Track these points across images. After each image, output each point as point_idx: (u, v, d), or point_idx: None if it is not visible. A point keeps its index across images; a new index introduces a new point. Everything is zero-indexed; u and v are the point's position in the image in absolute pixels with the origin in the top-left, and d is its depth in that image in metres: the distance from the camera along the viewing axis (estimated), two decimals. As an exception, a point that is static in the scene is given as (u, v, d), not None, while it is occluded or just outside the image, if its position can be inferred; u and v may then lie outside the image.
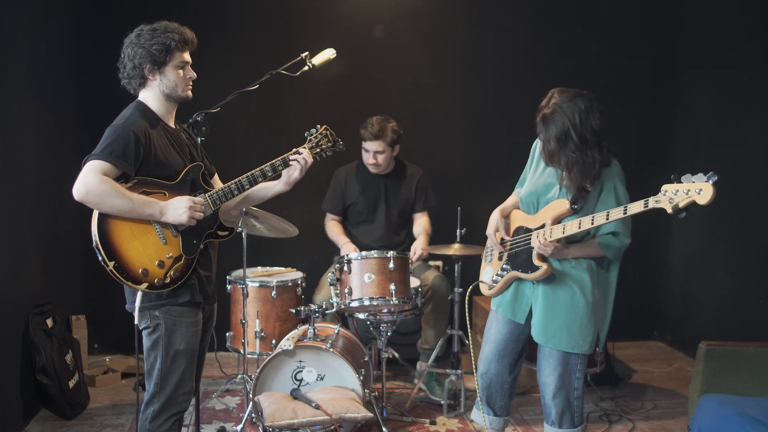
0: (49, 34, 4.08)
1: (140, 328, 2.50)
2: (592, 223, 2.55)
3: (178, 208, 2.41)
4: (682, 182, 2.31)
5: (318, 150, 2.71)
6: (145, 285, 2.37)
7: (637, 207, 2.43)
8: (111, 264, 2.32)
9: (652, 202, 2.37)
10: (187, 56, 2.50)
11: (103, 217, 2.33)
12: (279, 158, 2.63)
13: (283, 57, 3.15)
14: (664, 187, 2.35)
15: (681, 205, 2.29)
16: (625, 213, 2.45)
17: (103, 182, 2.28)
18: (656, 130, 5.03)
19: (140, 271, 2.36)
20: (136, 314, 2.43)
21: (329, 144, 2.74)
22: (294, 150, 2.66)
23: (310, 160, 2.65)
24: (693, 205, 2.28)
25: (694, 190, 2.27)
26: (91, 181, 2.27)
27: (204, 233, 2.52)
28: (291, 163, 2.62)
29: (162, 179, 2.45)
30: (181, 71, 2.48)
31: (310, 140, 2.72)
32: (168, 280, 2.41)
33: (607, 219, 2.51)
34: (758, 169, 4.13)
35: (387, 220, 4.11)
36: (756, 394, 2.90)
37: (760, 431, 2.52)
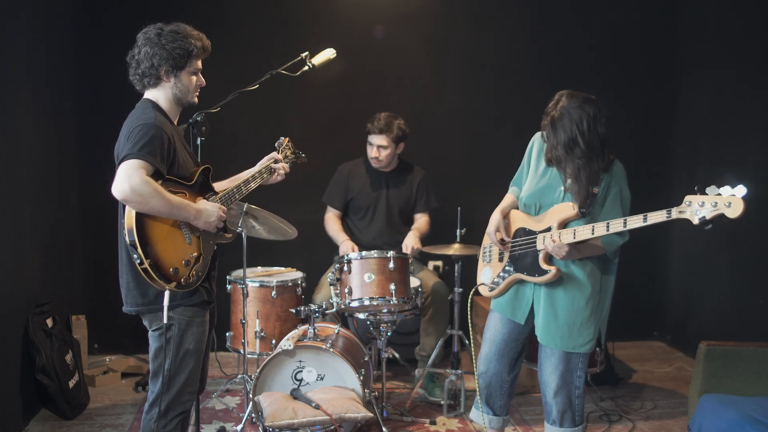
0: (49, 35, 4.07)
1: (151, 329, 2.50)
2: (608, 230, 2.53)
3: (211, 215, 2.46)
4: (707, 194, 2.28)
5: (286, 161, 2.97)
6: (173, 284, 2.36)
7: (658, 216, 2.39)
8: (147, 262, 2.29)
9: (675, 213, 2.34)
10: (200, 64, 2.54)
11: (140, 216, 2.31)
12: (264, 165, 2.84)
13: (283, 57, 3.15)
14: (688, 197, 2.32)
15: (708, 217, 2.27)
16: (645, 222, 2.42)
17: (147, 183, 2.27)
18: (655, 130, 5.03)
19: (171, 270, 2.35)
20: (164, 313, 2.41)
21: (292, 156, 3.02)
22: (272, 156, 2.89)
23: (288, 169, 2.93)
24: (721, 217, 2.26)
25: (723, 203, 2.24)
26: (137, 182, 2.25)
27: (218, 234, 2.55)
28: (278, 169, 2.86)
29: (181, 179, 2.47)
30: (194, 77, 2.51)
31: (282, 150, 2.98)
32: (191, 279, 2.42)
33: (625, 226, 2.49)
34: (758, 168, 4.13)
35: (388, 217, 4.11)
36: (756, 394, 2.90)
37: (760, 431, 2.52)
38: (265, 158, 2.89)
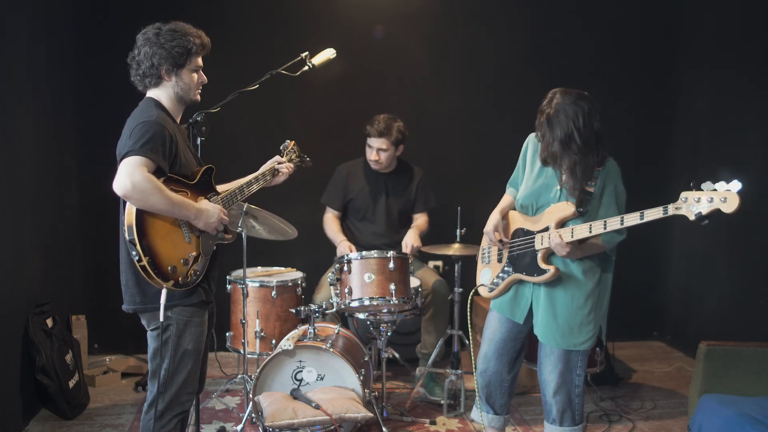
0: (49, 35, 4.07)
1: (149, 329, 2.50)
2: (605, 228, 2.54)
3: (211, 216, 2.45)
4: (702, 189, 2.29)
5: (291, 163, 2.98)
6: (171, 282, 2.36)
7: (655, 213, 2.40)
8: (146, 259, 2.28)
9: (671, 209, 2.35)
10: (201, 60, 2.53)
11: (140, 213, 2.31)
12: (268, 168, 2.86)
13: (283, 57, 3.15)
14: (684, 194, 2.33)
15: (705, 213, 2.27)
16: (642, 219, 2.43)
17: (149, 179, 2.27)
18: (655, 128, 5.03)
19: (169, 268, 2.35)
20: (161, 312, 2.40)
21: (297, 159, 3.03)
22: (276, 159, 2.91)
23: (292, 169, 2.94)
24: (717, 213, 2.26)
25: (719, 198, 2.25)
26: (138, 178, 2.25)
27: (218, 234, 2.55)
28: (281, 169, 2.88)
29: (183, 178, 2.46)
30: (195, 75, 2.51)
31: (286, 153, 3.00)
32: (189, 278, 2.42)
33: (622, 224, 2.50)
34: (758, 167, 4.13)
35: (387, 217, 4.11)
36: (756, 394, 2.90)
37: (760, 431, 2.53)
38: (269, 162, 2.90)
